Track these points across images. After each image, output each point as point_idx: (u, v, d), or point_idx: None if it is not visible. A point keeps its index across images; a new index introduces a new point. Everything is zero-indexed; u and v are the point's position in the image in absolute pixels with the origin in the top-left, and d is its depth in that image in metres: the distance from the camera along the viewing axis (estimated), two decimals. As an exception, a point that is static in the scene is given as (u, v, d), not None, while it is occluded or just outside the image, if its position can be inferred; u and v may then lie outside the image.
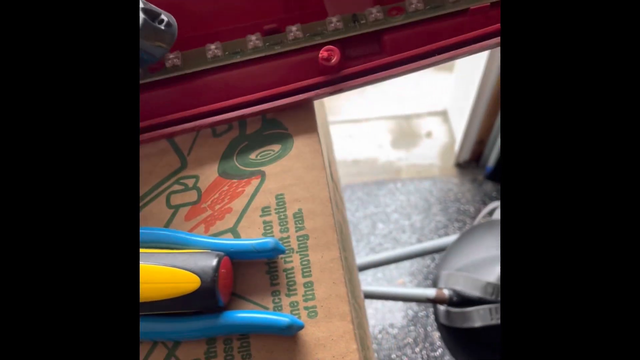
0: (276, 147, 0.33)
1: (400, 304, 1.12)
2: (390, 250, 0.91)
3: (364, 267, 0.89)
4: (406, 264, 1.16)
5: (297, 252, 0.30)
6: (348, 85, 0.33)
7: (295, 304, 0.29)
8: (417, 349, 1.08)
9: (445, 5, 0.33)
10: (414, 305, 1.13)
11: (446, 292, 0.73)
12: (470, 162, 1.28)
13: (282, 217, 0.31)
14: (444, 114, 1.36)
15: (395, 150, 1.34)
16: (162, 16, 0.30)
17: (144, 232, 0.30)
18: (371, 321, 1.11)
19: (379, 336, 1.09)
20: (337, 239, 0.30)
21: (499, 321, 0.67)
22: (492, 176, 1.24)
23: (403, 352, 1.07)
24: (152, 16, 0.29)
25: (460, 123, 1.21)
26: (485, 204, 1.22)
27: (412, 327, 1.10)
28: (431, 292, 0.74)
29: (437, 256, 1.16)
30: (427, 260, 1.17)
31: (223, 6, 0.34)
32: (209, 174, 0.33)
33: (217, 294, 0.27)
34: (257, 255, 0.29)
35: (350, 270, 0.38)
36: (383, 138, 1.36)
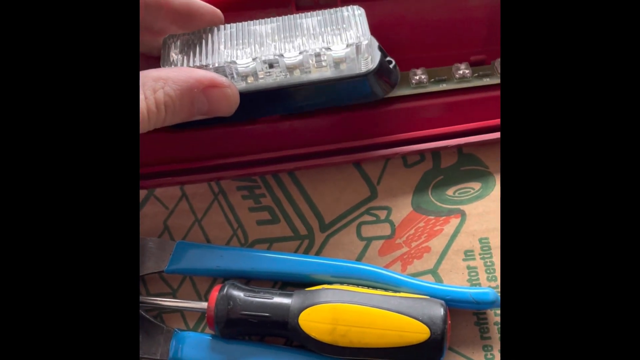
0: (476, 185, 0.30)
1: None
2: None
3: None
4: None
5: (508, 304, 0.27)
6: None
7: (512, 363, 0.26)
8: None
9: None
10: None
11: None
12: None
13: (489, 264, 0.28)
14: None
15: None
16: (389, 58, 0.30)
17: (351, 266, 0.27)
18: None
19: None
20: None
21: None
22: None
23: None
24: (384, 55, 0.29)
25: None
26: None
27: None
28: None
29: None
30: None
31: (428, 31, 0.32)
32: (401, 207, 0.30)
33: (444, 348, 0.25)
34: (471, 306, 0.27)
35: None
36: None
